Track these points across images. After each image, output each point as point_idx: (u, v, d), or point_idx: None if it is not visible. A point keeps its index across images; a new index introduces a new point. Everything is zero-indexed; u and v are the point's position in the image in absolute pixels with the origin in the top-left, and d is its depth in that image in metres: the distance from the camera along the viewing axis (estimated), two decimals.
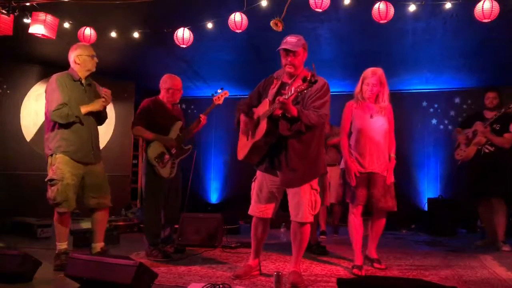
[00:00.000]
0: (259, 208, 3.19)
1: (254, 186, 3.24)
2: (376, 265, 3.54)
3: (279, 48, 3.03)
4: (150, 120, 3.98)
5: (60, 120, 3.41)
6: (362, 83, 3.45)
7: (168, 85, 4.07)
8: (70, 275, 2.86)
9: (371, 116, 3.43)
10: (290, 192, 3.09)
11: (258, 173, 3.23)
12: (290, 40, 3.02)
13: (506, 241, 4.60)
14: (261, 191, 3.19)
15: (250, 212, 3.25)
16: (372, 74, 3.40)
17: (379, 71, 3.42)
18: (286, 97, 2.76)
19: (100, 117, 3.71)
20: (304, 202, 3.03)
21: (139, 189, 7.94)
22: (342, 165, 3.60)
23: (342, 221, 5.49)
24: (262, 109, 3.05)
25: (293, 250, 3.18)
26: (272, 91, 3.10)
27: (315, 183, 3.10)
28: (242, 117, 3.16)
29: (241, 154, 3.20)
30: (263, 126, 2.96)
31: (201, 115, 4.15)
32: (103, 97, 3.61)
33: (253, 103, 3.22)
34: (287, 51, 3.01)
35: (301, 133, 2.92)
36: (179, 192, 4.25)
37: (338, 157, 5.28)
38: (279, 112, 2.86)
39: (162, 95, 4.11)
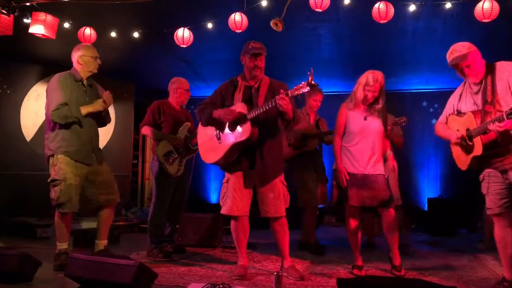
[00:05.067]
0: (237, 206, 3.25)
1: (229, 187, 3.29)
2: (395, 272, 3.36)
3: (251, 53, 3.22)
4: (158, 120, 4.08)
5: (59, 120, 3.41)
6: (363, 88, 3.36)
7: (176, 86, 4.21)
8: (70, 275, 2.86)
9: (365, 118, 3.43)
10: (265, 189, 3.22)
11: (230, 174, 3.31)
12: (257, 45, 3.24)
13: None
14: (238, 190, 3.26)
15: (228, 212, 3.26)
16: (374, 81, 3.33)
17: (380, 76, 3.35)
18: (285, 97, 2.92)
19: (100, 118, 3.72)
20: (279, 197, 3.23)
21: (139, 189, 7.96)
22: (334, 166, 3.59)
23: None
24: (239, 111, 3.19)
25: (283, 245, 3.31)
26: (238, 95, 3.28)
27: (283, 177, 3.32)
28: (221, 110, 3.23)
29: (212, 157, 3.30)
30: (247, 128, 3.09)
31: None
32: (103, 100, 3.62)
33: (217, 107, 3.31)
34: (256, 54, 3.22)
35: (291, 131, 3.32)
36: (185, 191, 4.32)
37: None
38: (273, 112, 3.07)
39: (171, 97, 4.24)
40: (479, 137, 2.72)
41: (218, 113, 3.22)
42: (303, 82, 2.87)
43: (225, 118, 3.19)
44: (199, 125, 3.46)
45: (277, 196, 3.23)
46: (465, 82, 3.02)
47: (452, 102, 3.09)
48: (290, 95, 2.91)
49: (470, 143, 2.83)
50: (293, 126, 3.17)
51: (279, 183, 3.26)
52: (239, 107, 3.20)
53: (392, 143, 4.43)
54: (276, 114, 3.11)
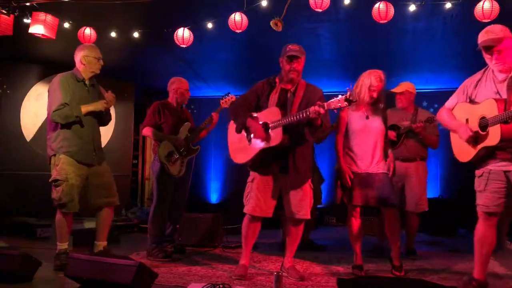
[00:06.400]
0: (261, 208, 3.23)
1: (253, 187, 3.27)
2: (395, 272, 3.38)
3: (287, 55, 3.15)
4: (159, 121, 4.09)
5: (60, 120, 3.41)
6: (368, 89, 3.35)
7: (176, 86, 4.23)
8: (70, 275, 2.86)
9: (367, 117, 3.43)
10: (294, 191, 3.22)
11: (256, 174, 3.29)
12: (294, 48, 3.17)
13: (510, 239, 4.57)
14: (263, 191, 3.24)
15: (251, 212, 3.24)
16: (379, 81, 3.33)
17: (383, 75, 3.35)
18: (321, 110, 2.88)
19: (102, 118, 3.72)
20: (306, 200, 3.23)
21: (139, 189, 7.96)
22: (336, 166, 3.58)
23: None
24: (272, 116, 3.15)
25: (292, 246, 3.34)
26: (274, 96, 3.23)
27: (310, 181, 3.34)
28: (254, 123, 3.17)
29: (241, 158, 3.28)
30: (278, 133, 3.08)
31: (213, 114, 4.23)
32: (106, 101, 3.62)
33: (251, 106, 3.30)
34: (293, 57, 3.15)
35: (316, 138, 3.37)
36: (185, 191, 4.33)
37: (419, 150, 4.26)
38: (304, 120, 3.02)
39: (171, 97, 4.26)
40: (498, 126, 2.57)
41: (250, 124, 3.18)
42: (340, 96, 2.83)
43: (254, 133, 3.17)
44: (230, 123, 3.42)
45: (304, 199, 3.24)
46: (485, 69, 2.87)
47: (466, 88, 2.92)
48: (326, 107, 2.88)
49: (483, 133, 2.68)
50: (319, 133, 3.20)
51: (308, 187, 3.28)
52: (272, 112, 3.17)
53: (425, 143, 4.21)
54: (306, 120, 3.07)
